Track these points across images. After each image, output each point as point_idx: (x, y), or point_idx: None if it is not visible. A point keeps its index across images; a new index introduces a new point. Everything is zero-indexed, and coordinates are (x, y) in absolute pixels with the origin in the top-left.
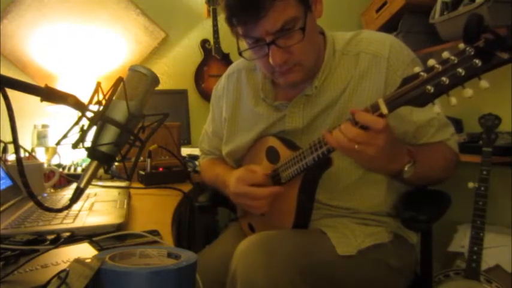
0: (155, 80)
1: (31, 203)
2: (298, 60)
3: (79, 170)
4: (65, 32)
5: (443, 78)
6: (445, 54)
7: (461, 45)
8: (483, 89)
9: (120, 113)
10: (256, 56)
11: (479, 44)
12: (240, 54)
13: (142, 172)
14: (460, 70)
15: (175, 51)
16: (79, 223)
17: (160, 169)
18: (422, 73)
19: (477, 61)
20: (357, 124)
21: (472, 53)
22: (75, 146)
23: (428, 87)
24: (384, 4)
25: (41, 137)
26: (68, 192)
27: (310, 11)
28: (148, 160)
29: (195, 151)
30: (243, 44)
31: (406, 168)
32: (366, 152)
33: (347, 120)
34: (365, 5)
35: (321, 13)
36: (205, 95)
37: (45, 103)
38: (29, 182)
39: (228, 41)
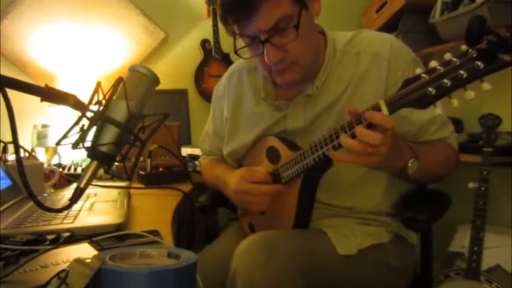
0: (155, 80)
1: (31, 203)
2: (294, 59)
3: (79, 170)
4: (65, 32)
5: (445, 80)
6: (447, 56)
7: (463, 47)
8: (485, 91)
9: (120, 113)
10: (252, 54)
11: (482, 46)
12: (236, 52)
13: (142, 172)
14: (462, 72)
15: (175, 51)
16: (79, 223)
17: (160, 169)
18: (423, 75)
19: (479, 63)
20: (361, 123)
21: (474, 55)
22: (75, 146)
23: (430, 89)
24: (384, 4)
25: (41, 137)
26: (68, 192)
27: (306, 10)
28: (148, 160)
29: (195, 151)
30: (240, 43)
31: (409, 164)
32: (381, 152)
33: (349, 122)
34: (365, 5)
35: (319, 12)
36: (206, 95)
37: (45, 103)
38: (29, 182)
39: (228, 41)
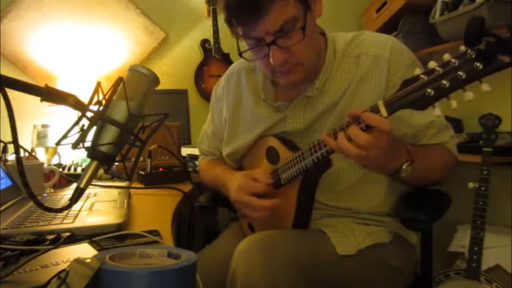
0: (155, 80)
1: (31, 203)
2: (298, 60)
3: (79, 170)
4: (65, 32)
5: (444, 81)
6: (446, 57)
7: (462, 48)
8: (484, 92)
9: (120, 113)
10: (256, 56)
11: (481, 47)
12: (240, 55)
13: (142, 172)
14: (460, 73)
15: (175, 51)
16: (79, 223)
17: (160, 169)
18: (422, 76)
19: (478, 64)
20: (359, 124)
21: (473, 56)
22: (75, 146)
23: (429, 90)
24: (384, 4)
25: (41, 137)
26: (68, 192)
27: (310, 11)
28: (148, 160)
29: (195, 151)
30: (243, 45)
31: (404, 167)
32: (370, 154)
33: (348, 123)
34: (365, 5)
35: (321, 12)
36: (205, 95)
37: (45, 103)
38: (29, 182)
39: (228, 41)
